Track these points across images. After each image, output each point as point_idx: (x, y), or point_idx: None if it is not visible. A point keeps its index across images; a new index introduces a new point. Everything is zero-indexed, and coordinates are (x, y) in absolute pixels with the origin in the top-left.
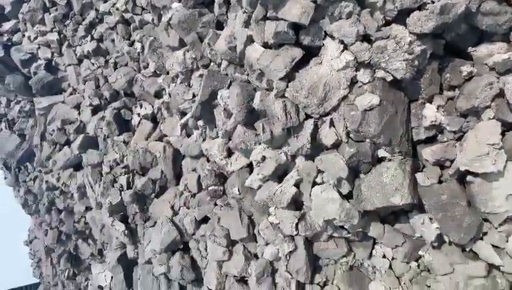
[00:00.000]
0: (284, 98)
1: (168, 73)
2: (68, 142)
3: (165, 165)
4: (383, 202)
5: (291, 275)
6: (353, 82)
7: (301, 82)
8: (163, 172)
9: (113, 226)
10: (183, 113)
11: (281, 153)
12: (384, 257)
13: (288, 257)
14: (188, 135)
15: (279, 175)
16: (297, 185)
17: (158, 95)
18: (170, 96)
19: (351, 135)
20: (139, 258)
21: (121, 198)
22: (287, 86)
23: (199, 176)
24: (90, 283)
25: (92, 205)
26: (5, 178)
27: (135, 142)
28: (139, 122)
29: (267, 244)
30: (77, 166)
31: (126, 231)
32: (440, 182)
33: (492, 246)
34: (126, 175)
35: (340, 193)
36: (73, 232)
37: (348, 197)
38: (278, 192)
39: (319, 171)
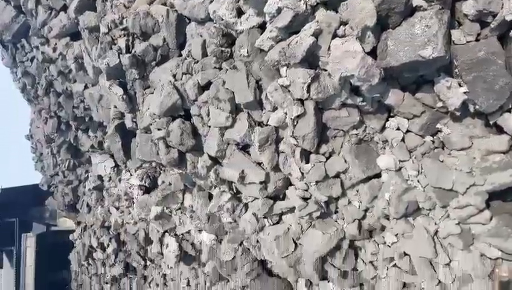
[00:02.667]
0: None
1: None
2: (65, 8)
3: (167, 31)
4: (411, 56)
5: (296, 141)
6: None
7: None
8: (165, 40)
9: (111, 90)
10: None
11: (300, 0)
12: (398, 129)
13: (295, 122)
14: None
15: (294, 31)
16: (315, 36)
17: None
18: None
19: None
20: (137, 127)
21: (119, 61)
22: None
23: (204, 41)
24: (90, 174)
25: (89, 73)
26: (2, 59)
27: (136, 5)
28: None
29: (274, 109)
30: (74, 35)
31: (124, 96)
32: (477, 40)
33: None
34: (125, 38)
35: (363, 48)
36: (73, 118)
37: (370, 55)
38: (294, 43)
39: (342, 23)
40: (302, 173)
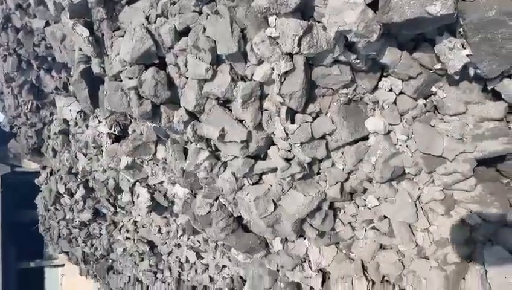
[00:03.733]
0: None
1: None
2: None
3: None
4: (417, 11)
5: (283, 99)
6: None
7: None
8: None
9: (75, 30)
10: None
11: None
12: (390, 90)
13: (283, 79)
14: None
15: None
16: None
17: None
18: None
19: None
20: (106, 74)
21: None
22: None
23: None
24: (55, 117)
25: (50, 9)
26: None
27: None
28: None
29: (259, 63)
30: None
31: (90, 38)
32: None
33: None
34: None
35: None
36: (34, 57)
37: (370, 7)
38: None
39: None
40: (287, 134)
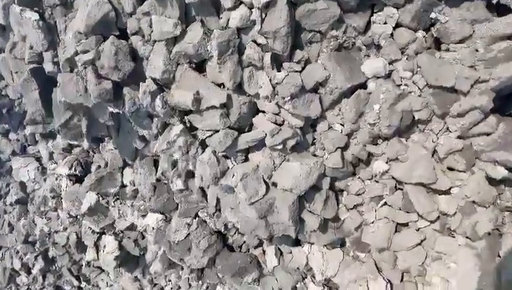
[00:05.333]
0: None
1: None
2: None
3: None
4: None
5: (266, 39)
6: None
7: None
8: None
9: (24, 17)
10: None
11: None
12: (385, 23)
13: (264, 14)
14: None
15: None
16: None
17: None
18: None
19: None
20: (59, 70)
21: None
22: None
23: None
24: (12, 186)
25: None
26: None
27: None
28: None
29: (234, 7)
30: None
31: (41, 22)
32: None
33: None
34: None
35: None
36: None
37: None
38: None
39: None
40: (274, 88)
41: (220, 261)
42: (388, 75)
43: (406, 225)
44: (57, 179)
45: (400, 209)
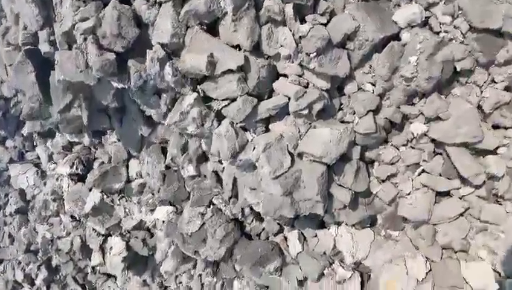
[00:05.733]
0: None
1: None
2: None
3: None
4: None
5: None
6: None
7: None
8: None
9: None
10: None
11: None
12: None
13: None
14: None
15: None
16: None
17: None
18: None
19: None
20: (56, 43)
21: None
22: None
23: None
24: (11, 195)
25: None
26: None
27: None
28: None
29: None
30: None
31: None
32: None
33: None
34: None
35: None
36: None
37: None
38: None
39: None
40: (297, 44)
41: (238, 251)
42: (425, 23)
43: (447, 193)
44: (57, 179)
45: (441, 176)
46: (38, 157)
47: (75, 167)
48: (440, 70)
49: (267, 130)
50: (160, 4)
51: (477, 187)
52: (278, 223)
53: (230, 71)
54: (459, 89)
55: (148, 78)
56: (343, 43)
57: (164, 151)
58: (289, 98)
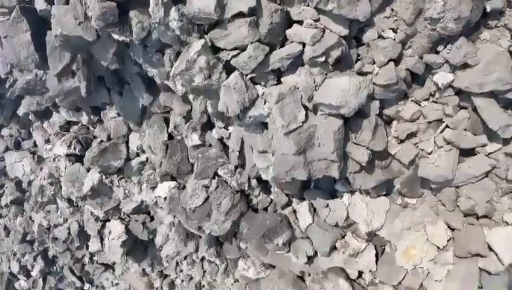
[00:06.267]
0: None
1: None
2: None
3: None
4: None
5: None
6: None
7: None
8: None
9: None
10: None
11: None
12: None
13: None
14: None
15: None
16: None
17: None
18: None
19: None
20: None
21: None
22: None
23: None
24: (6, 186)
25: None
26: None
27: None
28: None
29: None
30: None
31: None
32: None
33: None
34: None
35: None
36: None
37: None
38: None
39: None
40: None
41: (245, 223)
42: None
43: (471, 151)
44: (54, 160)
45: (465, 130)
46: (35, 146)
47: (72, 146)
48: (470, 9)
49: (278, 83)
50: None
51: (506, 143)
52: (287, 195)
53: (240, 14)
54: (488, 33)
55: (152, 28)
56: None
57: (167, 121)
58: (303, 46)
